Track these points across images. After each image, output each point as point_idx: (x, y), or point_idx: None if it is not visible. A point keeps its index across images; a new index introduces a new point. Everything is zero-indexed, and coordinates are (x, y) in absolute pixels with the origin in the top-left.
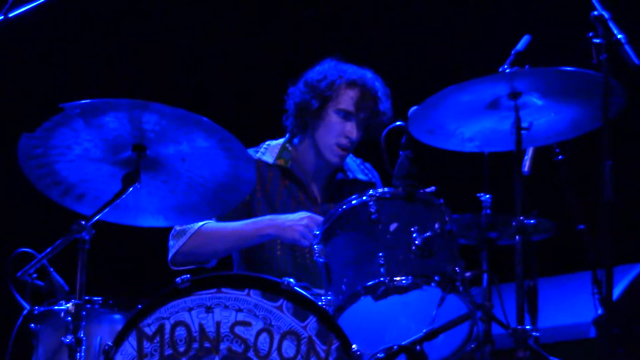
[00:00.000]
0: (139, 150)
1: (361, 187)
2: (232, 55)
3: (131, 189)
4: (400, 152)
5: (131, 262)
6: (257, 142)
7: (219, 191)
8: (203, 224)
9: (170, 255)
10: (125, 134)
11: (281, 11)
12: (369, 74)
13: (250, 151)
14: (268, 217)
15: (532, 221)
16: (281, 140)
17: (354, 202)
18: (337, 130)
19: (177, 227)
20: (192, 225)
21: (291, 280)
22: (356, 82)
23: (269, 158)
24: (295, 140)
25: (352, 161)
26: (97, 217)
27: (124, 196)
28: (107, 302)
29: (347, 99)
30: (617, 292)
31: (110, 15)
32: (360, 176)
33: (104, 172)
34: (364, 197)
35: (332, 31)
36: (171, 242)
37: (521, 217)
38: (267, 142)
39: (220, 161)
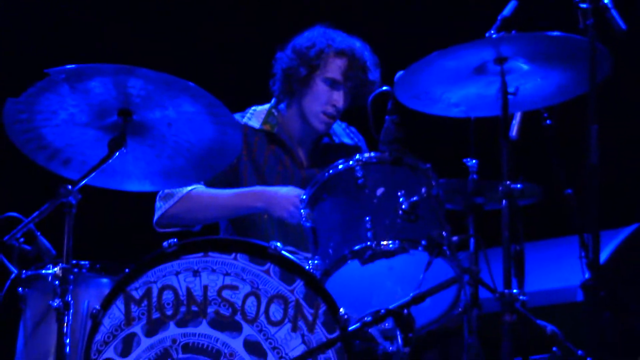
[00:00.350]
0: (125, 115)
1: (347, 151)
2: (219, 17)
3: (117, 153)
4: (387, 117)
5: (118, 226)
6: (244, 106)
7: (205, 156)
8: (192, 189)
9: (156, 217)
10: (111, 98)
11: None
12: (357, 43)
13: (236, 116)
14: (258, 188)
15: (518, 186)
16: (267, 106)
17: (340, 166)
18: (323, 99)
19: (166, 190)
20: (180, 189)
21: (278, 244)
22: (344, 51)
23: (255, 123)
24: (282, 106)
25: (337, 125)
26: (83, 182)
27: (110, 161)
28: (95, 266)
29: (335, 68)
30: (603, 255)
31: None
32: (346, 140)
33: (90, 137)
34: (350, 162)
35: None
36: (158, 204)
37: (507, 182)
38: (253, 107)
39: (207, 126)
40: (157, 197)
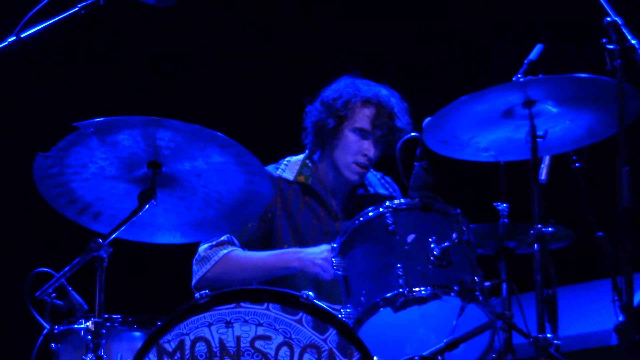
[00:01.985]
0: (154, 167)
1: (382, 201)
2: (247, 69)
3: (147, 206)
4: (416, 163)
5: (149, 279)
6: (276, 158)
7: (235, 206)
8: (228, 252)
9: (194, 281)
10: (140, 151)
11: (297, 26)
12: (384, 91)
13: (270, 168)
14: (292, 249)
15: (550, 229)
16: (301, 156)
17: (370, 214)
18: (354, 149)
19: (202, 253)
20: (217, 252)
21: (310, 293)
22: (371, 100)
23: (289, 175)
24: (315, 157)
25: (372, 175)
26: (114, 235)
27: (140, 213)
28: (127, 319)
29: (362, 117)
30: (637, 298)
31: (122, 32)
32: (381, 190)
33: (119, 190)
34: (381, 209)
35: (348, 43)
36: (195, 268)
37: (539, 226)
38: (287, 159)
39: (236, 176)
40: (194, 261)
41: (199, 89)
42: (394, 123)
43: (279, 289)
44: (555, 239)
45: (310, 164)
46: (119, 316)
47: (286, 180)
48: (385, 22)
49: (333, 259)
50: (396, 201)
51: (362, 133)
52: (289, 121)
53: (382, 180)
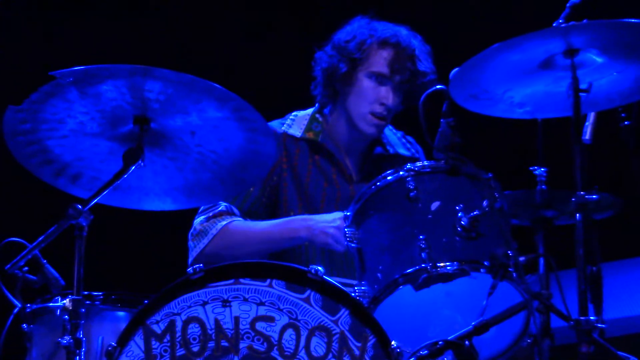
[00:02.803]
0: (142, 122)
1: (403, 163)
2: (249, 14)
3: (134, 167)
4: (442, 120)
5: (136, 251)
6: (281, 113)
7: (234, 168)
8: (227, 222)
9: (190, 257)
10: (126, 104)
11: None
12: (403, 31)
13: (274, 123)
14: (300, 217)
15: (594, 197)
16: (310, 111)
17: (389, 178)
18: (370, 97)
19: (197, 226)
20: (214, 224)
21: (319, 268)
22: (389, 40)
23: (296, 131)
24: (326, 111)
25: (392, 134)
26: (95, 200)
27: (125, 176)
28: (109, 297)
29: (379, 60)
30: None
31: None
32: (402, 151)
33: (102, 149)
34: (401, 172)
35: None
36: (191, 244)
37: (582, 193)
38: (293, 113)
39: (235, 134)
40: (189, 236)
41: (193, 36)
42: (415, 67)
43: (283, 262)
44: (600, 208)
45: (320, 119)
46: (100, 293)
47: (293, 137)
48: None
49: (346, 229)
50: (419, 163)
51: (380, 78)
52: (296, 72)
53: (403, 140)
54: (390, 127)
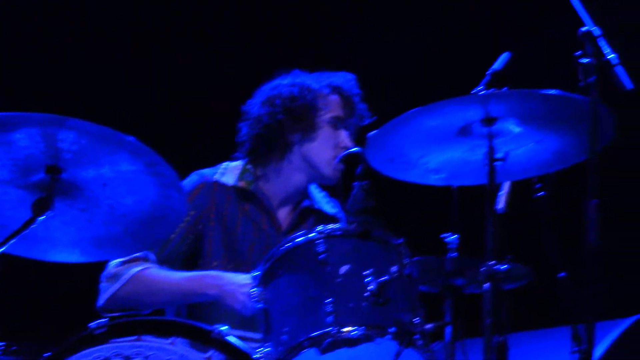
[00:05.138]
0: (53, 172)
1: (328, 220)
2: (169, 65)
3: (42, 217)
4: (355, 183)
5: (40, 302)
6: (190, 169)
7: (144, 223)
8: (141, 269)
9: (101, 300)
10: (38, 153)
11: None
12: (349, 76)
13: (206, 172)
14: (213, 274)
15: (504, 267)
16: (239, 163)
17: (299, 239)
18: (333, 142)
19: (111, 270)
20: (128, 269)
21: (223, 327)
22: (340, 84)
23: (229, 179)
24: (259, 163)
25: (317, 191)
26: (1, 250)
27: (33, 225)
28: (10, 348)
29: (336, 105)
30: (599, 351)
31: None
32: (327, 208)
33: (11, 197)
34: (312, 234)
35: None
36: (103, 285)
37: (492, 262)
38: (225, 163)
39: (148, 188)
40: (102, 277)
41: (109, 86)
42: (362, 110)
43: (187, 320)
44: (510, 278)
45: (252, 169)
46: (1, 344)
47: (223, 186)
48: (332, 20)
49: (254, 289)
50: (330, 226)
51: (338, 123)
52: (216, 128)
53: (327, 199)
54: (315, 185)
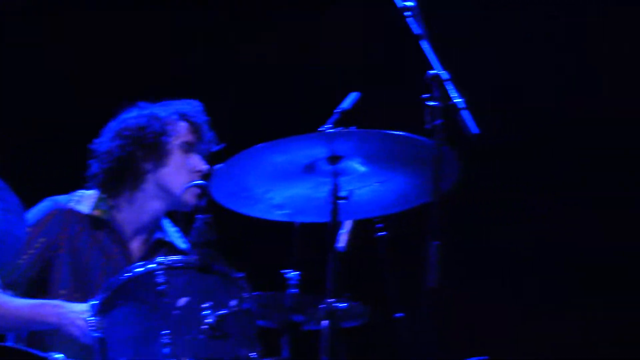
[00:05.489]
0: None
1: (179, 254)
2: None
3: None
4: (198, 216)
5: None
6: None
7: None
8: None
9: None
10: None
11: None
12: (195, 103)
13: (62, 199)
14: (54, 302)
15: (343, 305)
16: (93, 192)
17: (138, 269)
18: (184, 167)
19: None
20: None
21: (59, 356)
22: (187, 111)
23: (84, 207)
24: (113, 193)
25: (169, 225)
26: None
27: None
28: None
29: (186, 131)
30: None
31: None
32: (178, 242)
33: None
34: (151, 265)
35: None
36: None
37: (331, 300)
38: (80, 191)
39: None
40: None
41: None
42: (212, 136)
43: (23, 347)
44: (348, 317)
45: (106, 198)
46: None
47: (78, 214)
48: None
49: (91, 318)
50: (170, 258)
51: (191, 148)
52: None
53: (179, 234)
54: (167, 219)
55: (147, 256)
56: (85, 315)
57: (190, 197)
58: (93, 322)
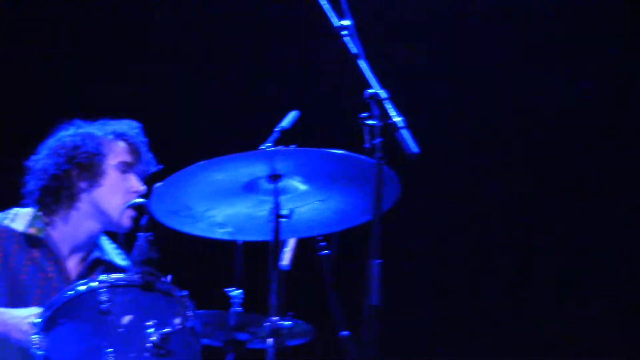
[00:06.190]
0: None
1: (118, 272)
2: None
3: None
4: (140, 234)
5: None
6: None
7: None
8: None
9: None
10: None
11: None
12: (133, 123)
13: None
14: None
15: (287, 323)
16: (30, 210)
17: (81, 287)
18: (122, 188)
19: None
20: None
21: None
22: (125, 130)
23: (19, 225)
24: (48, 211)
25: (108, 243)
26: None
27: None
28: None
29: (122, 150)
30: None
31: None
32: (117, 260)
33: None
34: (93, 283)
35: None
36: None
37: (275, 318)
38: (15, 209)
39: None
40: None
41: None
42: (150, 156)
43: None
44: (293, 335)
45: (42, 216)
46: None
47: (13, 232)
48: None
49: (34, 336)
50: (113, 276)
51: (128, 168)
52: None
53: (119, 250)
54: (106, 237)
55: (84, 275)
56: (29, 318)
57: (125, 219)
58: (36, 341)
